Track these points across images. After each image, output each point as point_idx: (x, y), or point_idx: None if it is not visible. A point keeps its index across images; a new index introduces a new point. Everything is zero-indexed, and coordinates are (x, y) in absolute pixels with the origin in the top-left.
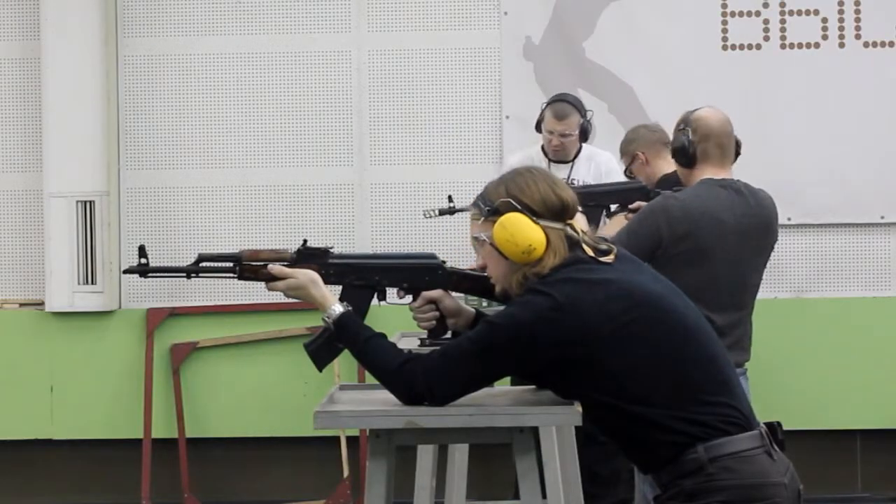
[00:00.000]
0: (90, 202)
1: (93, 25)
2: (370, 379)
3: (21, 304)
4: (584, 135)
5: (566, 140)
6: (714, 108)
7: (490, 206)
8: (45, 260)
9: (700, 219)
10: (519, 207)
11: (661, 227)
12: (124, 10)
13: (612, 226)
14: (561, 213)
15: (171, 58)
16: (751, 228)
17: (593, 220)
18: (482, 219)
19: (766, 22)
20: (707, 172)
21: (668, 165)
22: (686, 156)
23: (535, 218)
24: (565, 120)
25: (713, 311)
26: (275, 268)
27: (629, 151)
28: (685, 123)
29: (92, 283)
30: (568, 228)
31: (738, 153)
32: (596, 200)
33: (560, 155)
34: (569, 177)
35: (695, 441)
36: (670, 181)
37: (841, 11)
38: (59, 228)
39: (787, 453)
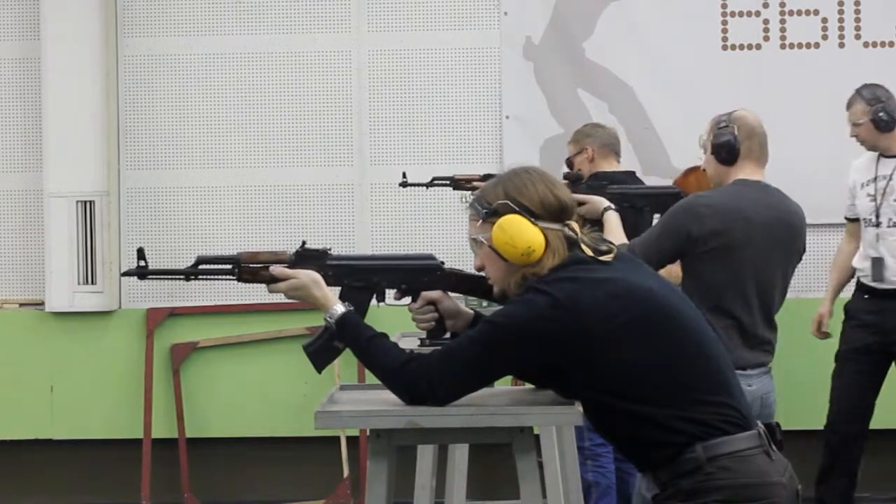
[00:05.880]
0: (90, 202)
1: (93, 25)
2: (370, 379)
3: (21, 304)
4: (878, 124)
5: (858, 129)
6: (749, 111)
7: (488, 208)
8: (45, 260)
9: (729, 217)
10: (517, 209)
11: (691, 225)
12: (124, 10)
13: None
14: (559, 213)
15: (171, 58)
16: (779, 231)
17: (627, 221)
18: (480, 220)
19: (766, 22)
20: (745, 171)
21: (607, 168)
22: (731, 152)
23: (533, 219)
24: (849, 109)
25: (739, 310)
26: (276, 269)
27: (582, 143)
28: (727, 122)
29: (92, 283)
30: (566, 229)
31: None
32: (630, 202)
33: (866, 146)
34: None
35: (693, 440)
36: (604, 177)
37: (841, 11)
38: (59, 228)
39: (786, 453)
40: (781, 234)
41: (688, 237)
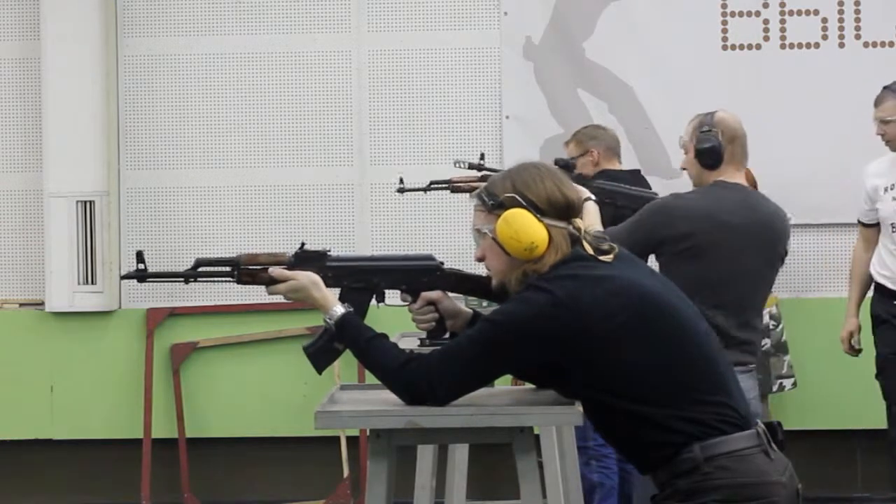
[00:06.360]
0: (90, 202)
1: (93, 25)
2: (370, 379)
3: (21, 304)
4: None
5: (886, 127)
6: (728, 112)
7: (494, 200)
8: (45, 260)
9: (702, 219)
10: (524, 203)
11: (663, 226)
12: (124, 10)
13: None
14: (565, 211)
15: (171, 58)
16: (758, 234)
17: (606, 217)
18: (486, 211)
19: (766, 22)
20: (726, 174)
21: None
22: (715, 157)
23: (538, 215)
24: (879, 105)
25: (713, 309)
26: (275, 271)
27: (586, 145)
28: (709, 126)
29: (92, 283)
30: (570, 227)
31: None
32: (611, 198)
33: (891, 146)
34: None
35: (691, 440)
36: (611, 175)
37: (841, 11)
38: (59, 228)
39: (787, 453)
40: (761, 236)
41: (659, 237)
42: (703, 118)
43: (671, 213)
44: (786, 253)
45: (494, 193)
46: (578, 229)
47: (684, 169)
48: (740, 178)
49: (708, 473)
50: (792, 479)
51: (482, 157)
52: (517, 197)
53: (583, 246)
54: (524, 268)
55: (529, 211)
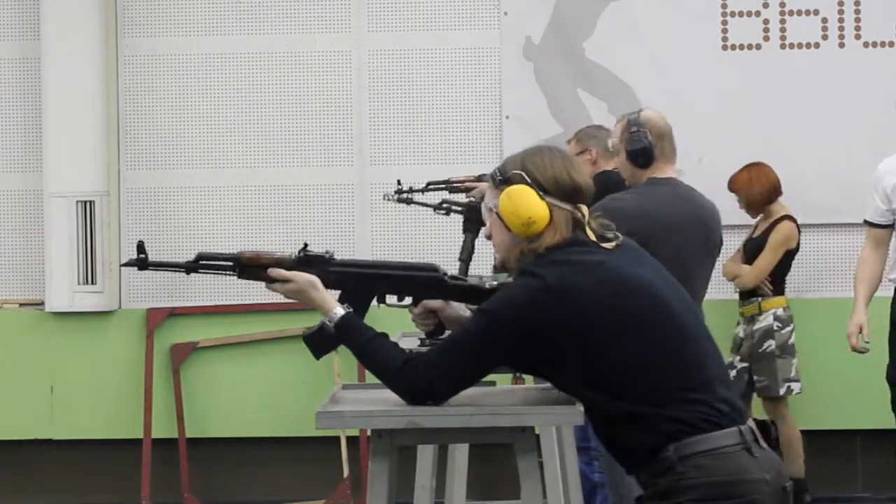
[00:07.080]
0: (90, 202)
1: (93, 25)
2: (370, 378)
3: (21, 304)
4: None
5: None
6: (653, 110)
7: (503, 176)
8: (45, 260)
9: (642, 219)
10: (529, 181)
11: None
12: (124, 10)
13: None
14: (571, 194)
15: (171, 58)
16: (692, 228)
17: None
18: (494, 187)
19: (766, 22)
20: (658, 171)
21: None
22: (647, 157)
23: (542, 194)
24: None
25: None
26: (274, 271)
27: (586, 144)
28: (637, 126)
29: (92, 282)
30: (576, 212)
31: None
32: None
33: None
34: None
35: (667, 441)
36: (609, 175)
37: (841, 11)
38: (59, 228)
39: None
40: (695, 230)
41: None
42: (629, 118)
43: (611, 216)
44: (721, 242)
45: (504, 170)
46: (584, 214)
47: (616, 169)
48: (671, 173)
49: (683, 473)
50: (779, 477)
51: (399, 182)
52: (524, 174)
53: (585, 231)
54: (522, 246)
55: (533, 188)
